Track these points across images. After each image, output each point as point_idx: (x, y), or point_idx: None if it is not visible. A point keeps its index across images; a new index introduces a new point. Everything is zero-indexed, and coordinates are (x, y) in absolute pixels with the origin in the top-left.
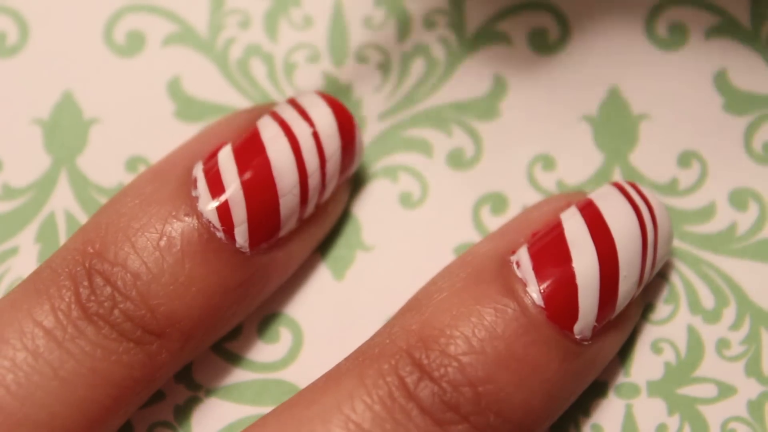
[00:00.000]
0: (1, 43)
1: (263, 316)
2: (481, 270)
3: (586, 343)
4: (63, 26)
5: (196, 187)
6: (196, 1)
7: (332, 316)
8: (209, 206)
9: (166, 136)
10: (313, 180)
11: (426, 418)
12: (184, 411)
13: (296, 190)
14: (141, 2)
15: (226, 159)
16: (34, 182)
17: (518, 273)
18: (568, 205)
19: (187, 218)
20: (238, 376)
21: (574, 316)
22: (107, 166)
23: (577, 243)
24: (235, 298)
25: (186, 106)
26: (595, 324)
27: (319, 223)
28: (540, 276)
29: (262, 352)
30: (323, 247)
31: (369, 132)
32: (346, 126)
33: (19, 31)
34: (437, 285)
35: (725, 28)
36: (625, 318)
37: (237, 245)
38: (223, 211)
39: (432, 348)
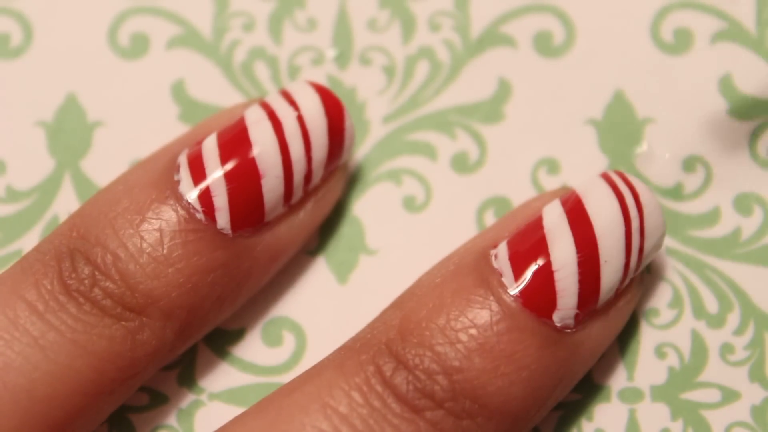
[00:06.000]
0: (5, 45)
1: (266, 320)
2: (461, 265)
3: (569, 330)
4: (67, 28)
5: (178, 171)
6: (200, 4)
7: (335, 319)
8: (189, 188)
9: (170, 140)
10: (299, 163)
11: (402, 405)
12: (187, 415)
13: (279, 172)
14: (145, 4)
15: (209, 144)
16: (37, 185)
17: (495, 264)
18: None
19: (168, 201)
20: (242, 379)
21: (551, 303)
22: (111, 169)
23: (554, 231)
24: (217, 279)
25: (190, 109)
26: (578, 311)
27: (311, 210)
28: (515, 265)
29: (266, 355)
30: (327, 251)
31: (373, 135)
32: (334, 110)
33: (23, 33)
34: (420, 282)
35: (731, 32)
36: (613, 306)
37: (218, 227)
38: (203, 191)
39: (408, 340)
